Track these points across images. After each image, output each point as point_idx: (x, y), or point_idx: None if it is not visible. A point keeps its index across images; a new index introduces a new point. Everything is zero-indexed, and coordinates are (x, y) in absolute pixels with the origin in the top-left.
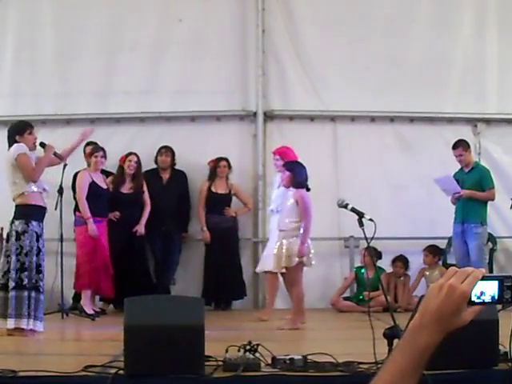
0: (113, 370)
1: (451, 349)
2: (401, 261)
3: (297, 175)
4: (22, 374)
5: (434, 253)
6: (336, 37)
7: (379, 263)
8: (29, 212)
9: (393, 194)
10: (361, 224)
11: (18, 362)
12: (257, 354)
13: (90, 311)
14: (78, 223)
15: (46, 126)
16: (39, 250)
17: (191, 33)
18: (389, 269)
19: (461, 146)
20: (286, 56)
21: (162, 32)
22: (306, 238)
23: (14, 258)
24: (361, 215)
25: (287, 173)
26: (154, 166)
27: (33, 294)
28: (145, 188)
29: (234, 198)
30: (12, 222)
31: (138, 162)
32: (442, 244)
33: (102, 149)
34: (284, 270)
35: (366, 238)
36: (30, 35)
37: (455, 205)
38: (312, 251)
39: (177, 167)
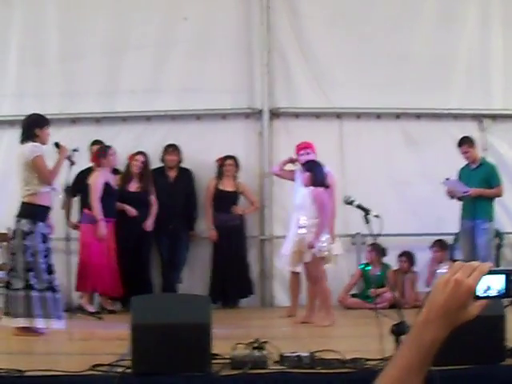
0: (120, 369)
1: (458, 344)
2: (406, 256)
3: (316, 175)
4: (28, 373)
5: (445, 248)
6: (341, 34)
7: (385, 260)
8: (36, 212)
9: (399, 190)
10: (367, 220)
11: (25, 361)
12: (264, 352)
13: (91, 310)
14: (85, 221)
15: (51, 125)
16: (48, 251)
17: (196, 31)
18: (395, 265)
19: (466, 143)
20: (291, 54)
21: (167, 30)
22: (320, 232)
23: (21, 257)
24: (367, 212)
25: (307, 173)
26: (161, 165)
27: (48, 294)
28: (152, 189)
29: (240, 197)
30: (18, 220)
31: (145, 162)
32: (448, 240)
33: (110, 147)
34: (297, 269)
35: (373, 234)
36: (34, 34)
37: (461, 201)
38: (332, 247)
39: (183, 165)
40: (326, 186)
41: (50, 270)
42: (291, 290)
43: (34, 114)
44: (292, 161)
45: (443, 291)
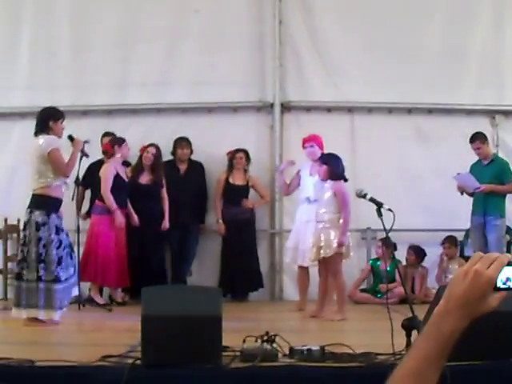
0: (130, 360)
1: (471, 340)
2: (412, 249)
3: (334, 167)
4: (39, 363)
5: (455, 244)
6: (353, 28)
7: (395, 255)
8: (50, 204)
9: (410, 185)
10: (380, 214)
11: (36, 351)
12: (274, 345)
13: (100, 301)
14: (96, 212)
15: None
16: (60, 243)
17: (208, 24)
18: (405, 261)
19: (478, 138)
20: (303, 47)
21: (179, 23)
22: (346, 229)
23: (34, 248)
24: (379, 205)
25: (324, 166)
26: (171, 157)
27: (53, 286)
28: (164, 182)
29: (251, 190)
30: (31, 212)
31: (157, 155)
32: (459, 236)
33: (124, 139)
34: (311, 263)
35: (385, 228)
36: (46, 27)
37: (473, 197)
38: (350, 243)
39: (193, 158)
40: (345, 179)
41: (59, 262)
42: (300, 284)
43: (49, 107)
44: (292, 163)
45: (463, 282)
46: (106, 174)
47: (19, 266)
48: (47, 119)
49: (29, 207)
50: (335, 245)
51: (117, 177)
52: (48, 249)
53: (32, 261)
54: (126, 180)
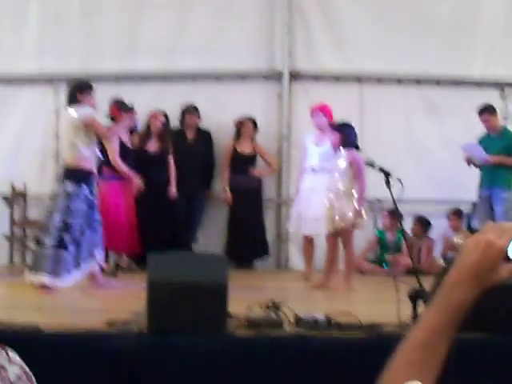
0: (135, 327)
1: (479, 312)
2: (417, 220)
3: (347, 136)
4: (44, 328)
5: (461, 216)
6: None
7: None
8: (81, 175)
9: (418, 156)
10: (388, 183)
11: (41, 317)
12: (279, 313)
13: (106, 267)
14: (105, 178)
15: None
16: (87, 213)
17: None
18: (410, 231)
19: (487, 111)
20: (312, 14)
21: None
22: (363, 198)
23: (58, 217)
24: (388, 174)
25: (336, 134)
26: (179, 125)
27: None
28: (171, 149)
29: (258, 159)
30: (62, 182)
31: (165, 123)
32: (466, 208)
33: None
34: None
35: (393, 199)
36: None
37: (480, 169)
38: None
39: (201, 126)
40: (357, 148)
41: (81, 231)
42: (305, 253)
43: (76, 80)
44: None
45: (474, 252)
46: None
47: (42, 232)
48: (74, 92)
49: (61, 178)
50: (349, 215)
51: (121, 144)
52: (74, 218)
53: (55, 228)
54: (131, 148)
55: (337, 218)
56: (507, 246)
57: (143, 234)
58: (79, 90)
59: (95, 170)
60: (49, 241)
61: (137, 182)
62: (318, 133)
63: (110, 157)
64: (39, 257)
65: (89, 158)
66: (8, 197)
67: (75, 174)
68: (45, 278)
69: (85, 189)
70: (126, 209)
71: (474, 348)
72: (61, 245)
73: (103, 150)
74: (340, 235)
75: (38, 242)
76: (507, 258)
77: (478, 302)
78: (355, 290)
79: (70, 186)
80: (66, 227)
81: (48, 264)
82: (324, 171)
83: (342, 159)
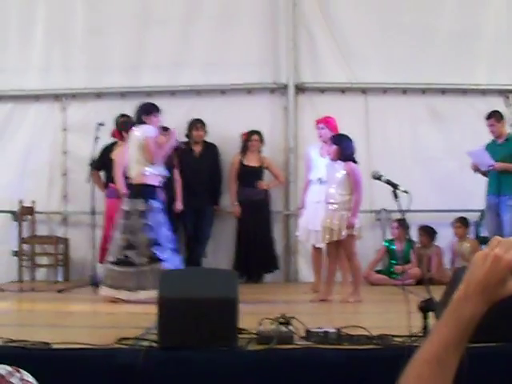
0: (146, 343)
1: (485, 323)
2: (422, 230)
3: (344, 148)
4: (55, 346)
5: (466, 224)
6: (367, 8)
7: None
8: (147, 191)
9: (424, 166)
10: (395, 196)
11: (52, 334)
12: (290, 327)
13: None
14: (110, 195)
15: (76, 99)
16: (162, 223)
17: (222, 5)
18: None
19: (494, 116)
20: (317, 28)
21: (193, 4)
22: (357, 210)
23: (141, 235)
24: (395, 187)
25: (334, 146)
26: (185, 139)
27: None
28: (176, 163)
29: (265, 172)
30: (131, 201)
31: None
32: (474, 217)
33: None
34: (321, 245)
35: (401, 210)
36: (60, 9)
37: (487, 177)
38: (360, 224)
39: (208, 140)
40: (354, 161)
41: (162, 243)
42: (314, 264)
43: (143, 103)
44: None
45: (482, 266)
46: (118, 158)
47: (124, 252)
48: (140, 114)
49: (129, 196)
50: (346, 230)
51: None
52: (156, 232)
53: (142, 246)
54: None
55: (335, 230)
56: None
57: None
58: (145, 112)
59: (159, 184)
60: (137, 259)
61: None
62: (323, 145)
63: (114, 174)
64: (139, 276)
65: (152, 174)
66: (16, 213)
67: (142, 191)
68: (149, 293)
69: (154, 203)
70: None
71: (486, 358)
72: (153, 260)
73: (110, 167)
74: (341, 247)
75: (123, 261)
76: None
77: (489, 313)
78: (364, 302)
79: (139, 204)
80: (151, 242)
81: (141, 280)
82: None
83: (340, 170)
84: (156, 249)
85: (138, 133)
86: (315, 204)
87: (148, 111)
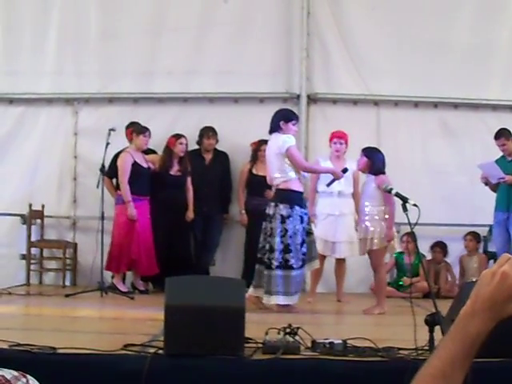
0: (152, 350)
1: (492, 339)
2: (440, 246)
3: (375, 162)
4: (61, 351)
5: (477, 239)
6: (381, 20)
7: None
8: (293, 197)
9: (435, 180)
10: (405, 209)
11: (58, 339)
12: (296, 337)
13: (123, 289)
14: (118, 202)
15: (88, 104)
16: (303, 231)
17: (236, 14)
18: (427, 255)
19: (503, 135)
20: (330, 39)
21: (207, 12)
22: (392, 222)
23: (278, 239)
24: (405, 200)
25: (364, 158)
26: (196, 147)
27: (291, 272)
28: (190, 172)
29: None
30: (276, 205)
31: (187, 145)
32: (483, 232)
33: (148, 129)
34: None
35: (410, 224)
36: (74, 13)
37: (496, 192)
38: (397, 237)
39: (219, 148)
40: (383, 173)
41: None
42: (337, 275)
43: (283, 109)
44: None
45: (490, 283)
46: (122, 165)
47: (263, 253)
48: (278, 120)
49: (273, 201)
50: (382, 238)
51: (134, 165)
52: (293, 238)
53: (277, 251)
54: (146, 166)
55: (369, 240)
56: None
57: (161, 256)
58: (284, 119)
59: (302, 189)
60: (275, 262)
61: (129, 212)
62: (334, 157)
63: (119, 181)
64: (270, 279)
65: (297, 180)
66: (25, 216)
67: (287, 197)
68: (279, 299)
69: (298, 210)
70: (140, 231)
71: (490, 373)
72: (286, 266)
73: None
74: (370, 258)
75: (267, 264)
76: None
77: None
78: (371, 313)
79: (283, 209)
80: (287, 249)
81: (279, 285)
82: (348, 195)
83: (371, 183)
84: (291, 256)
85: (279, 141)
86: (335, 217)
87: (287, 118)
